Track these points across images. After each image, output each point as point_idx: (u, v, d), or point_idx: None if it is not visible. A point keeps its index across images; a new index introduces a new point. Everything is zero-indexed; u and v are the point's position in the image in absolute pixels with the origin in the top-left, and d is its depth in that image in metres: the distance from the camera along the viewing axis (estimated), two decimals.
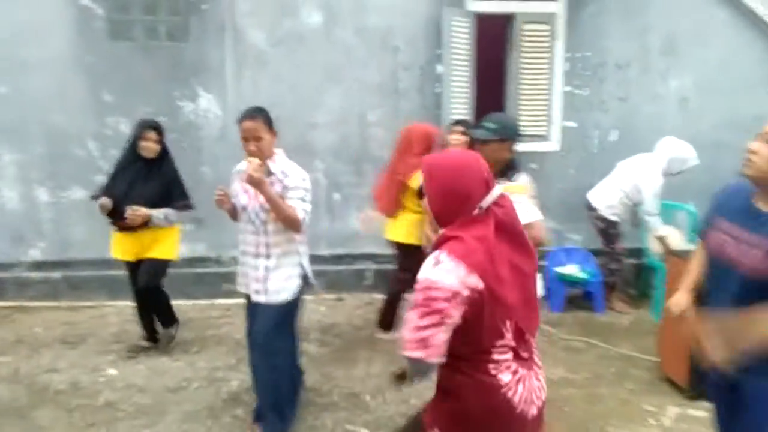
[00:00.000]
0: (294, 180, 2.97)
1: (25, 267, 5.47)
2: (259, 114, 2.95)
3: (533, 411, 1.75)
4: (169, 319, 4.35)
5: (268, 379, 3.07)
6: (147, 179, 3.99)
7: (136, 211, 3.83)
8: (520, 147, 5.72)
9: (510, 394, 1.71)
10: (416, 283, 1.65)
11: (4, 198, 5.43)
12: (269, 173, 2.95)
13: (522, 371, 1.74)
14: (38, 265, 5.48)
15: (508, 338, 1.70)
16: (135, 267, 4.08)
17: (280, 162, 3.03)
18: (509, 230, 1.71)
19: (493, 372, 1.70)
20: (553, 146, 5.76)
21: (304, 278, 3.13)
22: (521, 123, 5.66)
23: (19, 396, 3.65)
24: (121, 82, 5.36)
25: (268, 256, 3.00)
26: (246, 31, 5.41)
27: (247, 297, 3.13)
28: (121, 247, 4.06)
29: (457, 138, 4.06)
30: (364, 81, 5.54)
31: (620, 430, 3.25)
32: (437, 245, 1.70)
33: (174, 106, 5.44)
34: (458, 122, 4.20)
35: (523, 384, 1.73)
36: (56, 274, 5.42)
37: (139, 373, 3.95)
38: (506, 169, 2.72)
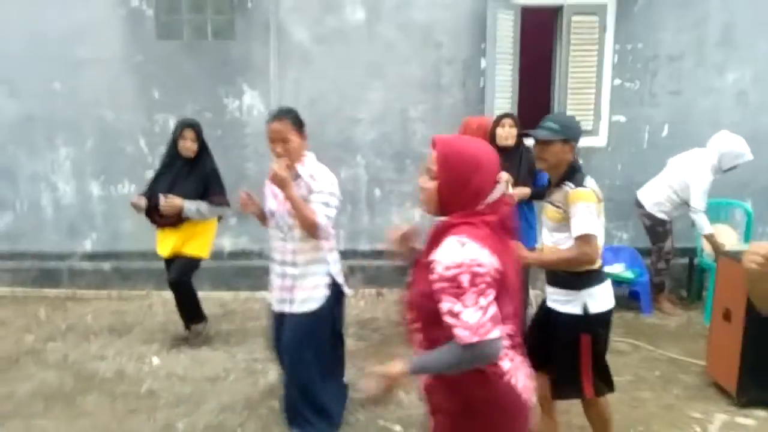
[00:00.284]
0: (320, 184, 2.86)
1: (78, 257, 5.70)
2: (286, 115, 2.88)
3: (533, 399, 1.74)
4: (195, 316, 4.39)
5: (301, 389, 3.00)
6: (187, 177, 4.09)
7: (169, 200, 3.94)
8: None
9: (513, 381, 1.67)
10: (446, 268, 1.56)
11: (60, 192, 5.67)
12: (296, 176, 2.87)
13: (517, 358, 1.72)
14: (90, 256, 5.70)
15: (509, 324, 1.66)
16: (170, 262, 4.20)
17: (309, 165, 2.93)
18: (506, 225, 1.69)
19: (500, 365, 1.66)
20: (600, 141, 5.58)
21: (334, 286, 3.00)
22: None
23: (66, 382, 3.80)
24: (169, 79, 5.51)
25: (294, 264, 2.91)
26: (290, 29, 5.46)
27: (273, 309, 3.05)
28: (161, 243, 4.20)
29: (508, 131, 3.93)
30: (406, 76, 5.50)
31: None
32: (443, 231, 1.64)
33: (220, 103, 5.55)
34: (507, 115, 4.05)
35: (520, 371, 1.71)
36: (107, 265, 5.62)
37: (180, 363, 4.06)
38: (571, 171, 2.55)
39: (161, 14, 5.44)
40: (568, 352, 2.59)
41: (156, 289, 5.39)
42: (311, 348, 2.97)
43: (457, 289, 1.54)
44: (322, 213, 2.81)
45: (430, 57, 5.48)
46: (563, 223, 2.55)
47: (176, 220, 4.05)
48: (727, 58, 5.43)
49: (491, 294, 1.56)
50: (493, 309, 1.55)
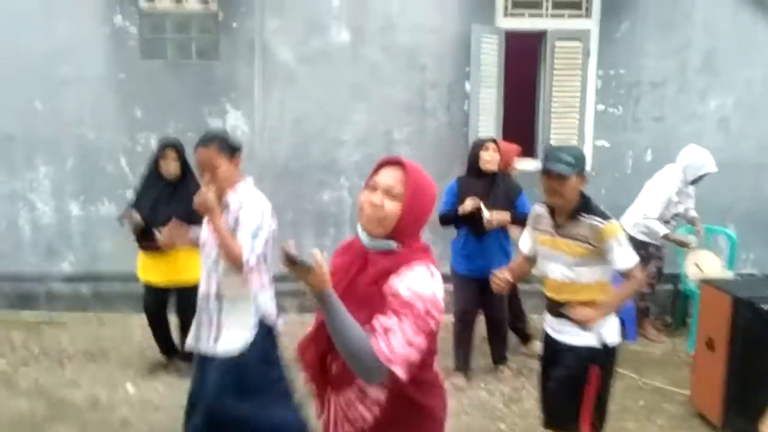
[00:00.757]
0: (246, 215, 2.62)
1: (56, 279, 5.59)
2: (212, 141, 2.66)
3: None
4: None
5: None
6: (170, 199, 3.89)
7: (169, 234, 3.63)
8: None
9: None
10: (408, 291, 1.51)
11: (39, 211, 5.57)
12: (226, 207, 2.66)
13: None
14: (68, 278, 5.59)
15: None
16: (158, 289, 4.04)
17: (241, 193, 2.69)
18: None
19: (435, 370, 1.73)
20: None
21: (264, 327, 2.71)
22: (551, 142, 5.54)
23: (37, 410, 3.68)
24: (153, 98, 5.46)
25: (218, 298, 2.67)
26: (274, 49, 5.45)
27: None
28: (151, 270, 4.02)
29: (492, 155, 3.91)
30: (391, 99, 5.50)
31: None
32: (409, 257, 1.59)
33: (203, 122, 5.50)
34: (490, 140, 4.03)
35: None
36: (85, 287, 5.51)
37: (156, 390, 3.96)
38: (586, 202, 2.57)
39: (145, 33, 5.41)
40: (574, 384, 2.58)
41: (136, 312, 5.23)
42: (235, 394, 2.64)
43: (408, 315, 1.50)
44: (248, 247, 2.57)
45: (414, 80, 5.48)
46: (588, 257, 2.54)
47: (167, 246, 3.78)
48: (709, 84, 5.49)
49: (428, 340, 1.55)
50: (414, 352, 1.51)
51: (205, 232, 2.74)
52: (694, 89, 5.50)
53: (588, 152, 5.58)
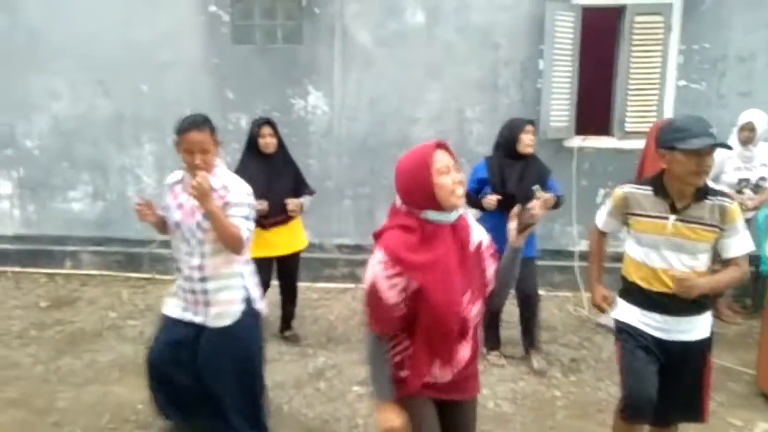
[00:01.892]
0: (237, 195, 2.71)
1: (158, 244, 6.21)
2: (205, 124, 2.70)
3: None
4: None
5: (225, 397, 2.86)
6: (278, 174, 4.15)
7: (295, 203, 4.13)
8: (626, 144, 5.54)
9: None
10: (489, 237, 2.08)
11: (144, 183, 6.21)
12: (210, 188, 2.67)
13: None
14: (168, 243, 6.17)
15: None
16: (268, 261, 4.20)
17: (221, 175, 2.74)
18: None
19: None
20: None
21: (248, 302, 2.81)
22: (628, 119, 5.47)
23: (141, 355, 4.15)
24: (242, 81, 5.91)
25: (203, 279, 2.74)
26: (353, 33, 5.72)
27: (168, 319, 2.90)
28: (267, 245, 4.14)
29: (531, 139, 3.83)
30: (464, 77, 5.63)
31: None
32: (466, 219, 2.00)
33: (287, 103, 5.90)
34: (529, 122, 3.90)
35: None
36: None
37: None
38: (706, 184, 2.34)
39: (236, 19, 5.85)
40: (697, 378, 2.47)
41: None
42: (228, 361, 2.82)
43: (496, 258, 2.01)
44: (245, 226, 2.68)
45: (487, 58, 5.58)
46: (711, 243, 2.35)
47: (284, 218, 4.15)
48: None
49: None
50: None
51: (178, 214, 2.76)
52: None
53: None
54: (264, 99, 5.90)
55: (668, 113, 5.43)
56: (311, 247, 5.98)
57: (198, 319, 2.79)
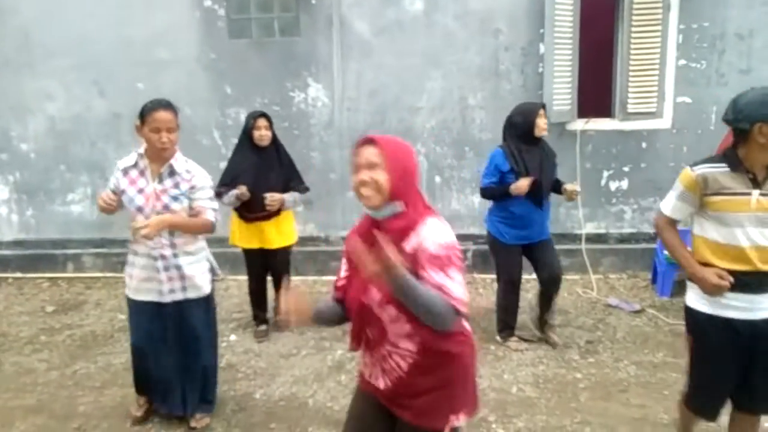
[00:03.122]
0: (201, 179, 2.95)
1: None
2: (171, 106, 2.87)
3: None
4: None
5: (205, 371, 3.16)
6: (269, 168, 4.20)
7: (273, 197, 4.09)
8: (628, 126, 5.56)
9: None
10: (438, 246, 1.74)
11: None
12: (173, 172, 2.90)
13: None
14: None
15: None
16: (256, 253, 4.35)
17: (181, 160, 2.96)
18: None
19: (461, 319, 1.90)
20: (664, 123, 5.51)
21: (212, 272, 3.17)
22: (629, 100, 5.49)
23: None
24: (240, 76, 5.85)
25: (176, 255, 2.93)
26: (351, 23, 5.67)
27: (135, 302, 3.06)
28: (248, 237, 4.31)
29: (545, 122, 3.83)
30: (465, 64, 5.61)
31: None
32: (412, 218, 1.80)
33: (286, 96, 5.84)
34: (542, 105, 3.91)
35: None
36: None
37: (255, 340, 4.37)
38: None
39: (231, 13, 5.78)
40: None
41: (231, 274, 5.77)
42: (212, 329, 3.19)
43: (447, 264, 1.73)
44: (211, 209, 2.96)
45: (488, 44, 5.56)
46: None
47: (268, 213, 4.17)
48: None
49: (463, 278, 1.78)
50: (466, 292, 1.77)
51: (140, 198, 2.89)
52: None
53: (669, 109, 5.49)
54: (263, 93, 5.85)
55: (669, 93, 5.46)
56: (317, 240, 5.99)
57: (175, 296, 2.97)
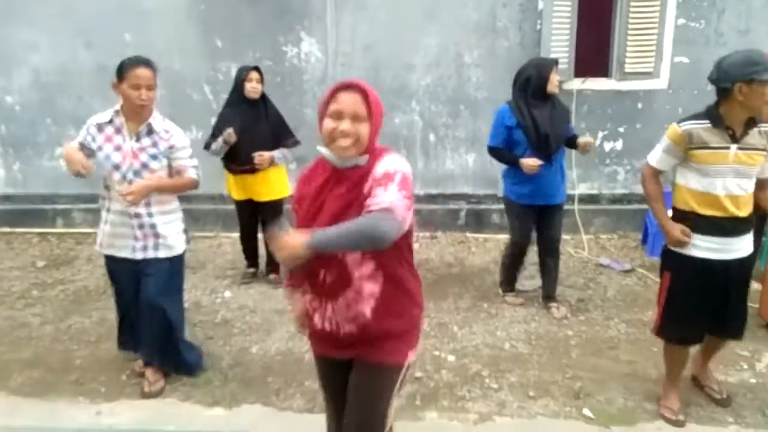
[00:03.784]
0: (180, 139, 2.97)
1: None
2: (151, 64, 2.85)
3: None
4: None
5: (173, 327, 3.14)
6: (257, 121, 4.23)
7: (262, 156, 4.12)
8: (624, 86, 5.53)
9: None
10: (385, 170, 1.71)
11: None
12: (151, 131, 2.90)
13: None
14: None
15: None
16: (247, 205, 4.41)
17: (159, 120, 2.96)
18: None
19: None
20: (661, 84, 5.48)
21: (185, 231, 3.16)
22: (627, 59, 5.43)
23: None
24: (231, 29, 5.69)
25: (150, 215, 2.93)
26: None
27: (108, 257, 3.08)
28: (238, 189, 4.38)
29: (557, 78, 3.78)
30: (461, 20, 5.50)
31: (712, 371, 3.21)
32: (379, 154, 1.79)
33: (279, 51, 5.71)
34: (555, 62, 3.85)
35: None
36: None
37: (250, 297, 4.39)
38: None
39: None
40: (743, 291, 2.76)
41: (224, 231, 5.75)
42: (179, 289, 3.23)
43: (388, 182, 1.69)
44: (192, 167, 3.00)
45: None
46: (759, 166, 2.60)
47: (253, 168, 4.18)
48: None
49: (409, 198, 1.71)
50: (407, 203, 1.69)
51: (117, 156, 2.85)
52: None
53: (666, 69, 5.45)
54: (255, 47, 5.71)
55: (667, 53, 5.41)
56: None
57: (146, 254, 2.98)
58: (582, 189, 5.71)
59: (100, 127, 2.92)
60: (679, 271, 2.71)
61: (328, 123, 1.74)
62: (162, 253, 3.02)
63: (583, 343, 3.66)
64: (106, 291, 4.52)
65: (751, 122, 2.56)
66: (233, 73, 5.58)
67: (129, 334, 3.28)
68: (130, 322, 3.23)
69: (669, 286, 2.78)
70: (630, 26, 5.34)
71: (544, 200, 3.85)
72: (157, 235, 2.98)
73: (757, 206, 2.71)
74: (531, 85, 3.73)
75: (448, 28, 5.52)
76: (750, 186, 2.61)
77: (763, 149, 2.58)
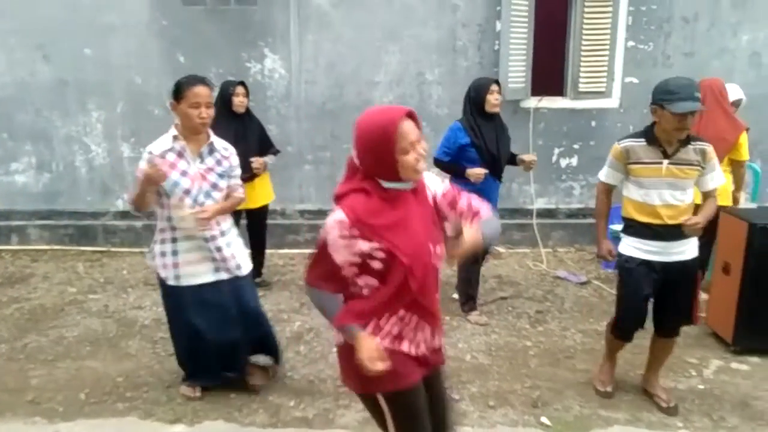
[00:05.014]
0: (235, 157, 3.03)
1: (112, 216, 6.02)
2: (207, 81, 2.84)
3: None
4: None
5: (264, 336, 3.26)
6: (247, 133, 4.40)
7: (259, 161, 4.36)
8: (579, 104, 5.73)
9: None
10: (440, 180, 1.99)
11: (93, 153, 5.94)
12: (212, 150, 2.91)
13: None
14: (123, 215, 6.00)
15: None
16: (238, 213, 4.31)
17: (213, 137, 2.93)
18: None
19: None
20: (613, 103, 5.71)
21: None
22: (581, 79, 5.64)
23: (109, 328, 4.13)
24: (194, 44, 5.70)
25: (223, 234, 2.97)
26: None
27: (185, 288, 2.97)
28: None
29: (497, 98, 3.90)
30: (423, 40, 5.63)
31: (660, 379, 3.35)
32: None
33: (243, 67, 5.73)
34: (495, 81, 3.95)
35: None
36: (138, 223, 5.91)
37: None
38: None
39: None
40: (691, 290, 2.99)
41: None
42: (258, 301, 3.32)
43: (455, 192, 1.96)
44: (240, 185, 3.09)
45: (446, 20, 5.59)
46: (693, 179, 2.83)
47: (251, 176, 4.30)
48: (740, 19, 5.48)
49: None
50: None
51: (186, 181, 2.82)
52: (725, 24, 5.51)
53: (617, 89, 5.68)
54: (218, 63, 5.72)
55: (618, 74, 5.65)
56: (274, 213, 5.94)
57: (229, 274, 3.00)
58: (540, 204, 5.89)
59: (162, 156, 2.80)
60: (628, 271, 2.98)
61: (410, 158, 1.73)
62: (243, 271, 3.07)
63: (542, 353, 3.76)
64: (64, 309, 4.45)
65: (686, 140, 2.78)
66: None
67: (205, 363, 3.16)
68: (205, 350, 3.09)
69: (618, 284, 3.09)
70: (583, 48, 5.56)
71: None
72: (233, 255, 3.01)
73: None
74: (474, 104, 3.90)
75: (410, 47, 5.65)
76: (686, 197, 2.83)
77: (697, 165, 2.80)
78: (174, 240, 2.91)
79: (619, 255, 3.03)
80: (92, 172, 5.98)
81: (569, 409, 3.14)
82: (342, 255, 1.78)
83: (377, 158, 1.73)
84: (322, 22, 5.63)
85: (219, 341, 3.05)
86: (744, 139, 4.05)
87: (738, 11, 5.46)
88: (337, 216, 1.75)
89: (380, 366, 1.77)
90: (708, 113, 3.98)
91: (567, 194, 5.97)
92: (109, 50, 5.71)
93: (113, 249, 5.85)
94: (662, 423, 3.03)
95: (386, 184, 1.78)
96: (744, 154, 4.09)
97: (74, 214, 6.00)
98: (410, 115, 1.76)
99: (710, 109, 3.93)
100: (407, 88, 5.74)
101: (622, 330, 3.13)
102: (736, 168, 4.14)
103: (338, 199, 1.81)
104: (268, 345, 3.30)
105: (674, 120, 2.66)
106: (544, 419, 3.04)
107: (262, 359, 3.31)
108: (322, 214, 5.74)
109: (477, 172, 3.82)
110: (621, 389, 3.30)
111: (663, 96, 2.69)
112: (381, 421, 1.97)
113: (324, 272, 1.84)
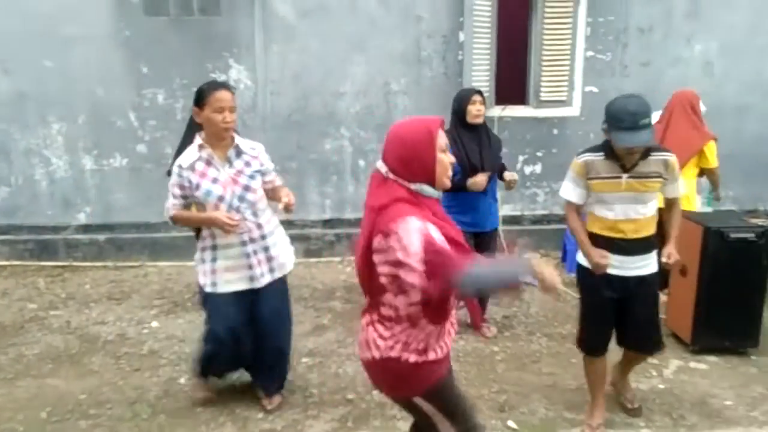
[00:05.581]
0: (266, 157, 3.01)
1: (74, 230, 5.90)
2: (228, 86, 2.87)
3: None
4: None
5: (285, 347, 3.23)
6: None
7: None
8: (541, 113, 5.86)
9: None
10: None
11: (54, 166, 5.83)
12: (239, 152, 2.89)
13: None
14: (85, 228, 5.89)
15: None
16: None
17: (241, 139, 2.94)
18: None
19: None
20: (573, 111, 5.85)
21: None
22: (542, 89, 5.77)
23: (71, 345, 4.04)
24: (157, 55, 5.65)
25: (263, 237, 2.95)
26: (274, 4, 5.60)
27: (223, 295, 2.98)
28: None
29: (479, 108, 3.82)
30: (388, 50, 5.70)
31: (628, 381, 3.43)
32: None
33: (206, 77, 5.66)
34: (477, 92, 3.87)
35: None
36: (101, 236, 5.81)
37: (179, 326, 4.31)
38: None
39: None
40: (653, 309, 2.90)
41: (150, 260, 5.61)
42: (289, 304, 3.26)
43: None
44: (277, 177, 3.10)
45: (410, 31, 5.67)
46: (656, 191, 2.75)
47: None
48: (694, 29, 5.69)
49: None
50: None
51: (218, 188, 2.82)
52: (679, 34, 5.71)
53: (578, 98, 5.83)
54: (182, 73, 5.68)
55: (578, 83, 5.80)
56: None
57: (265, 279, 2.98)
58: (505, 210, 5.96)
59: (191, 167, 2.82)
60: (589, 286, 2.92)
61: (444, 157, 1.87)
62: (278, 274, 3.05)
63: (508, 358, 3.82)
64: (24, 326, 4.34)
65: (646, 152, 2.69)
66: (159, 99, 5.60)
67: (223, 363, 3.21)
68: (225, 355, 3.13)
69: (580, 299, 3.03)
70: (544, 58, 5.70)
71: (482, 227, 3.95)
72: (270, 258, 2.99)
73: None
74: (456, 116, 3.85)
75: (376, 58, 5.70)
76: (648, 210, 2.75)
77: (658, 177, 2.71)
78: (214, 247, 2.94)
79: (578, 270, 2.98)
80: (53, 185, 5.86)
81: (535, 412, 3.19)
82: (441, 239, 1.82)
83: (417, 156, 1.81)
84: (287, 33, 5.65)
85: (240, 351, 3.11)
86: (711, 147, 4.19)
87: (691, 22, 5.67)
88: (411, 223, 1.74)
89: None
90: (673, 124, 4.12)
91: (531, 201, 6.08)
92: (70, 61, 5.62)
93: (75, 263, 5.71)
94: (625, 423, 3.11)
95: (422, 188, 1.84)
96: (712, 161, 4.24)
97: (34, 229, 5.86)
98: (443, 126, 1.93)
99: (675, 120, 4.08)
100: (373, 99, 5.78)
101: (587, 341, 3.00)
102: (709, 175, 4.35)
103: (382, 209, 1.80)
104: (279, 364, 3.24)
105: (620, 148, 2.62)
106: (510, 423, 3.09)
107: (261, 393, 3.26)
108: (290, 224, 5.72)
109: (477, 180, 3.74)
110: (585, 391, 3.37)
111: (610, 120, 2.62)
112: (427, 422, 2.04)
113: (450, 258, 1.75)
